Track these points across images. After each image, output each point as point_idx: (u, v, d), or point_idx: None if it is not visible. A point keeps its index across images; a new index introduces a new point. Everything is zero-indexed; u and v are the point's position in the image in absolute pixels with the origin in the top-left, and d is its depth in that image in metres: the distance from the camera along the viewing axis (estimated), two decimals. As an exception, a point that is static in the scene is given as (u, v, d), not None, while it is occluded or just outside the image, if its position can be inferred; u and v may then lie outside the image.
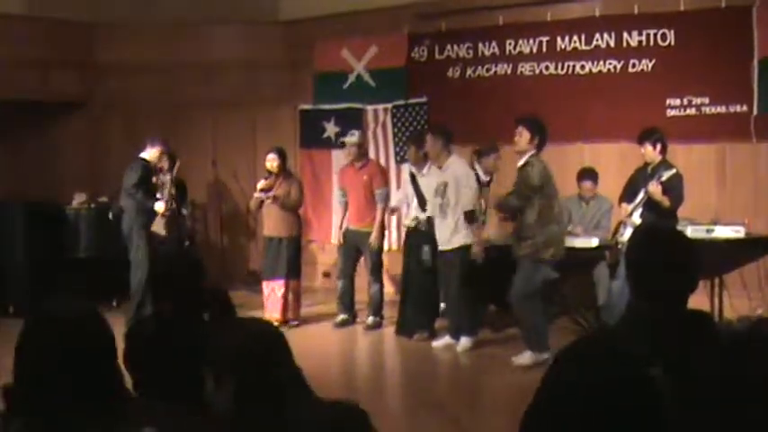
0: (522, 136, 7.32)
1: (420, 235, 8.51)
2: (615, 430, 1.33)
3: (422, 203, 8.47)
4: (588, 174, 8.77)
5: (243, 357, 2.27)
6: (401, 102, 10.54)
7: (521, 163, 7.35)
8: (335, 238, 9.41)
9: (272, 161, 9.01)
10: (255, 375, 2.24)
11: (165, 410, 2.29)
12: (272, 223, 9.07)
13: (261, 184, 9.02)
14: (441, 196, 7.94)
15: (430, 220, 8.26)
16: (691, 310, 2.53)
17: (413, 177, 8.65)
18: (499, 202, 7.73)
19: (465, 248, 7.95)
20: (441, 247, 8.05)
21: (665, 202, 7.54)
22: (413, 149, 8.72)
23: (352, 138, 9.08)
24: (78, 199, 10.24)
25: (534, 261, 7.30)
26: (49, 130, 11.23)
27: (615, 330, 2.84)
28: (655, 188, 7.53)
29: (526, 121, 7.40)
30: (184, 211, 9.91)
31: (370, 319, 9.03)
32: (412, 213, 8.65)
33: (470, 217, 7.87)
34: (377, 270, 8.98)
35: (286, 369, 2.32)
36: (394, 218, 9.99)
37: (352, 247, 9.08)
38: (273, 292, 8.97)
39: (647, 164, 7.83)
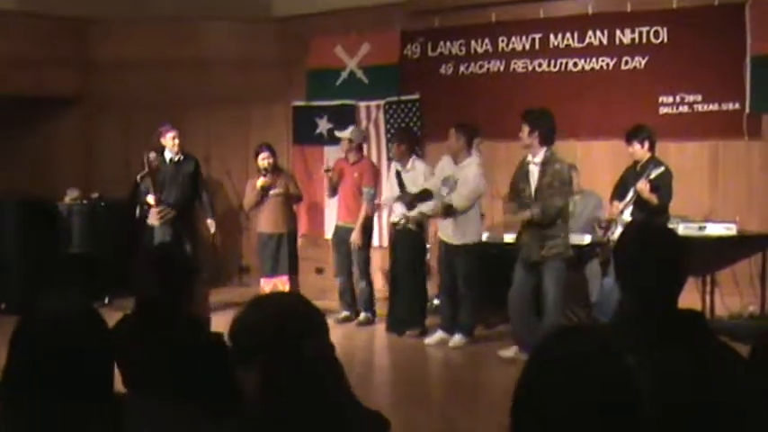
0: (523, 130, 7.26)
1: (407, 232, 8.52)
2: (592, 425, 1.34)
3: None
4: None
5: (272, 332, 2.10)
6: (394, 98, 10.52)
7: (538, 159, 7.20)
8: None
9: (266, 159, 9.03)
10: (285, 353, 2.08)
11: (160, 410, 2.29)
12: (273, 219, 9.08)
13: (260, 182, 9.02)
14: (450, 188, 7.94)
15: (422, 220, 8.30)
16: (682, 309, 2.53)
17: (398, 174, 8.65)
18: (543, 209, 7.12)
19: (477, 246, 8.00)
20: (449, 241, 8.03)
21: (654, 200, 7.55)
22: (395, 146, 8.76)
23: (344, 132, 9.11)
24: (71, 194, 10.22)
25: (563, 261, 7.25)
26: (43, 127, 11.19)
27: (599, 326, 2.84)
28: (643, 186, 7.54)
29: (526, 114, 7.33)
30: None
31: (362, 316, 9.06)
32: (398, 210, 8.66)
33: (449, 211, 7.87)
34: (363, 267, 9.01)
35: (319, 347, 2.14)
36: (384, 215, 10.01)
37: (342, 243, 9.10)
38: (277, 289, 8.98)
39: (636, 162, 7.85)
